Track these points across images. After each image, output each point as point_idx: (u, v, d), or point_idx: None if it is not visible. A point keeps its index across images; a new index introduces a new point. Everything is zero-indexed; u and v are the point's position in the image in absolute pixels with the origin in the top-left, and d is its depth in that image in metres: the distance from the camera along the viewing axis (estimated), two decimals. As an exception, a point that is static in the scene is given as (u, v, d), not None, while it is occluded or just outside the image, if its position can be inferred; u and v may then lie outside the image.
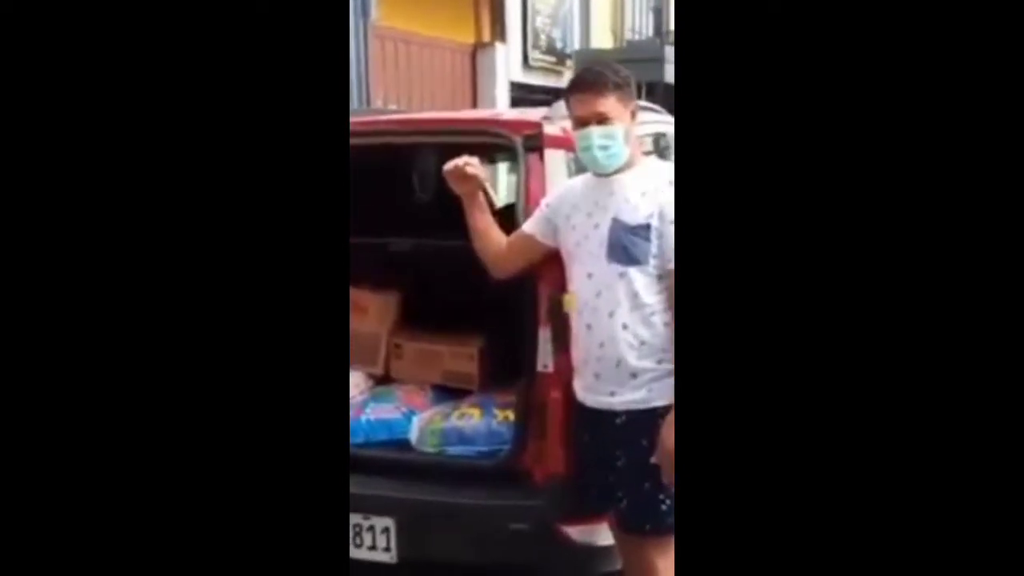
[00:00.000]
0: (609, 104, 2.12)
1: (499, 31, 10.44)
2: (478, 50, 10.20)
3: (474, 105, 9.72)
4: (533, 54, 10.89)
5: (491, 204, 2.42)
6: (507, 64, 10.39)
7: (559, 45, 11.49)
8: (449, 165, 2.32)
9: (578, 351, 2.21)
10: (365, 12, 8.53)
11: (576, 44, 11.92)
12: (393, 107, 8.09)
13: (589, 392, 2.19)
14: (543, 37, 11.21)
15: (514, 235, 2.38)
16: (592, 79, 2.15)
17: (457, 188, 2.34)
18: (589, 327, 2.15)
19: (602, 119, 2.11)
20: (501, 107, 9.25)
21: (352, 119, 2.32)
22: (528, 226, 2.35)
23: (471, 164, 2.30)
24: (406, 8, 8.64)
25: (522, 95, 10.19)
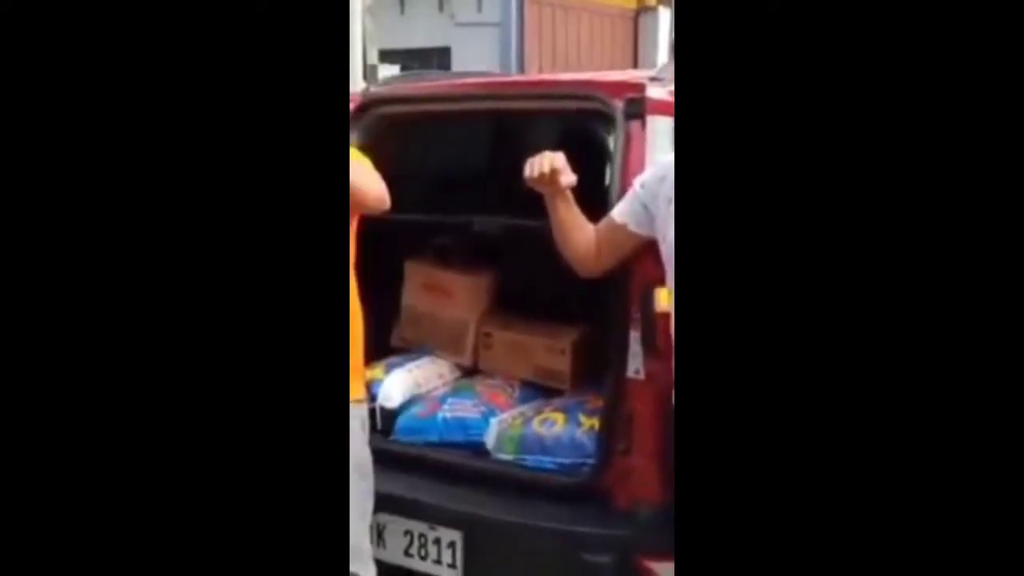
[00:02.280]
0: None
1: (666, -6, 9.92)
2: (641, 14, 9.70)
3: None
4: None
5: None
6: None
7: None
8: (532, 169, 1.88)
9: None
10: (523, -24, 8.30)
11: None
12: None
13: None
14: None
15: (602, 224, 1.97)
16: None
17: (539, 189, 1.93)
18: None
19: None
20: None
21: (420, 82, 2.03)
22: (618, 213, 1.94)
23: (558, 169, 1.87)
24: (566, -29, 8.34)
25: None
